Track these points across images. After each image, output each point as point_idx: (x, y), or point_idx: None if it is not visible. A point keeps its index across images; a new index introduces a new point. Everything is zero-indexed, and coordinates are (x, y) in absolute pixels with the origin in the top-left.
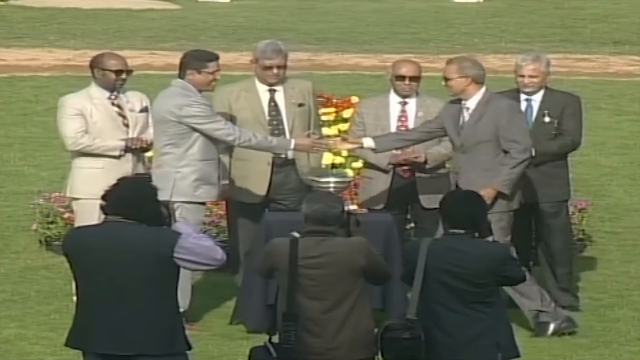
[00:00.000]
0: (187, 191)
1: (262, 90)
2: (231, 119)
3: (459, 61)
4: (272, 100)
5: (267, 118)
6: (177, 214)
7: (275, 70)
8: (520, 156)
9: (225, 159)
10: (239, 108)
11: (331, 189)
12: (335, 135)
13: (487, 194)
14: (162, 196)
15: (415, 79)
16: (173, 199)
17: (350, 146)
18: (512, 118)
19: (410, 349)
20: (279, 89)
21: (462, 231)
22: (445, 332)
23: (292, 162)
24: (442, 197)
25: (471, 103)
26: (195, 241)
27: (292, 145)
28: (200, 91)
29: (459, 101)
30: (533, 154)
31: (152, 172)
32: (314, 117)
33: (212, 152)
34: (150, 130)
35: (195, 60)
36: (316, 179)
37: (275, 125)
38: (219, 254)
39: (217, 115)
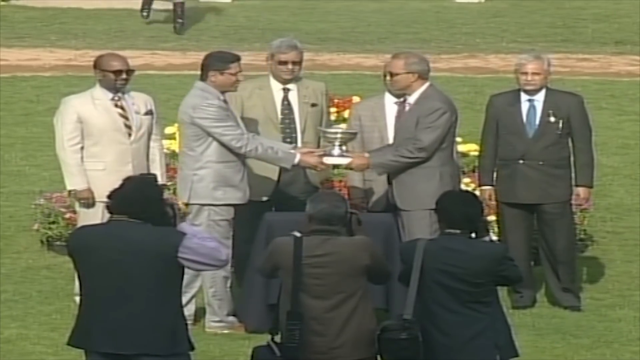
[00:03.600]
0: (205, 193)
1: (276, 88)
2: (242, 116)
3: (406, 57)
4: (285, 98)
5: (280, 116)
6: (205, 215)
7: (290, 66)
8: (415, 153)
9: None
10: (252, 105)
11: (338, 138)
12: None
13: (359, 165)
14: (182, 198)
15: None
16: (192, 202)
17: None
18: (432, 118)
19: (408, 350)
20: (293, 87)
21: (458, 231)
22: (443, 332)
23: None
24: (440, 197)
25: (412, 98)
26: (200, 242)
27: (296, 160)
28: (223, 92)
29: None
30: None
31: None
32: (325, 117)
33: (231, 154)
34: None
35: (218, 62)
36: (324, 129)
37: (287, 124)
38: (224, 254)
39: (230, 120)
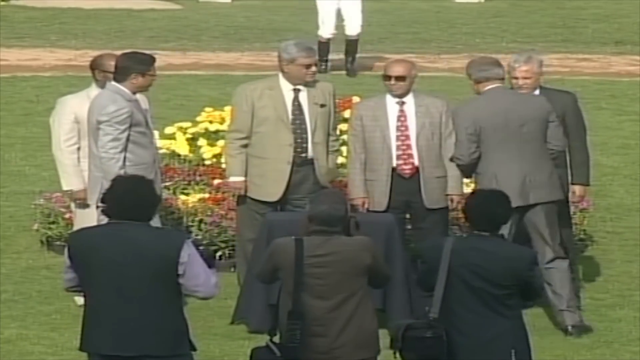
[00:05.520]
0: None
1: (287, 89)
2: (253, 116)
3: (468, 64)
4: (295, 99)
5: (291, 117)
6: None
7: (313, 68)
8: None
9: (242, 156)
10: (262, 106)
11: None
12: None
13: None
14: (91, 201)
15: (401, 78)
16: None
17: None
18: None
19: (432, 348)
20: (303, 88)
21: (487, 232)
22: (463, 332)
23: (310, 162)
24: (469, 196)
25: None
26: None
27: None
28: (135, 93)
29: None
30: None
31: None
32: (333, 118)
33: (141, 157)
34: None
35: (140, 64)
36: None
37: (297, 124)
38: (215, 280)
39: (125, 127)
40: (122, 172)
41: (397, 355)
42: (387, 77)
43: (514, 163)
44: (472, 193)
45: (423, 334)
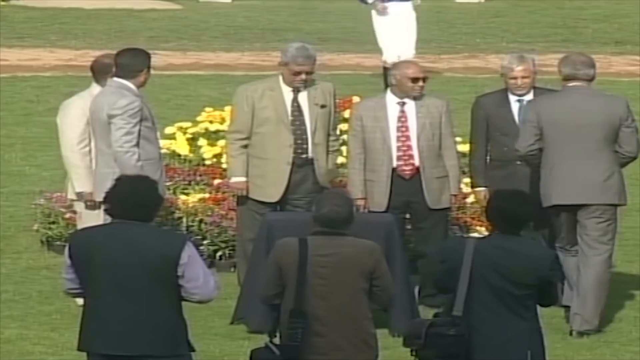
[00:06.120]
0: None
1: (287, 90)
2: (254, 117)
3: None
4: (295, 100)
5: (290, 118)
6: None
7: (303, 76)
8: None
9: (243, 157)
10: (263, 107)
11: None
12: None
13: None
14: (98, 198)
15: (424, 79)
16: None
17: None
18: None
19: (454, 346)
20: (303, 89)
21: (509, 231)
22: (480, 331)
23: (310, 162)
24: (491, 196)
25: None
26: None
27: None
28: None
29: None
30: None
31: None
32: (333, 118)
33: (149, 152)
34: None
35: (148, 60)
36: None
37: (297, 125)
38: (214, 282)
39: (137, 120)
40: (139, 164)
41: (414, 353)
42: (414, 80)
43: (569, 161)
44: (494, 194)
45: (446, 331)
